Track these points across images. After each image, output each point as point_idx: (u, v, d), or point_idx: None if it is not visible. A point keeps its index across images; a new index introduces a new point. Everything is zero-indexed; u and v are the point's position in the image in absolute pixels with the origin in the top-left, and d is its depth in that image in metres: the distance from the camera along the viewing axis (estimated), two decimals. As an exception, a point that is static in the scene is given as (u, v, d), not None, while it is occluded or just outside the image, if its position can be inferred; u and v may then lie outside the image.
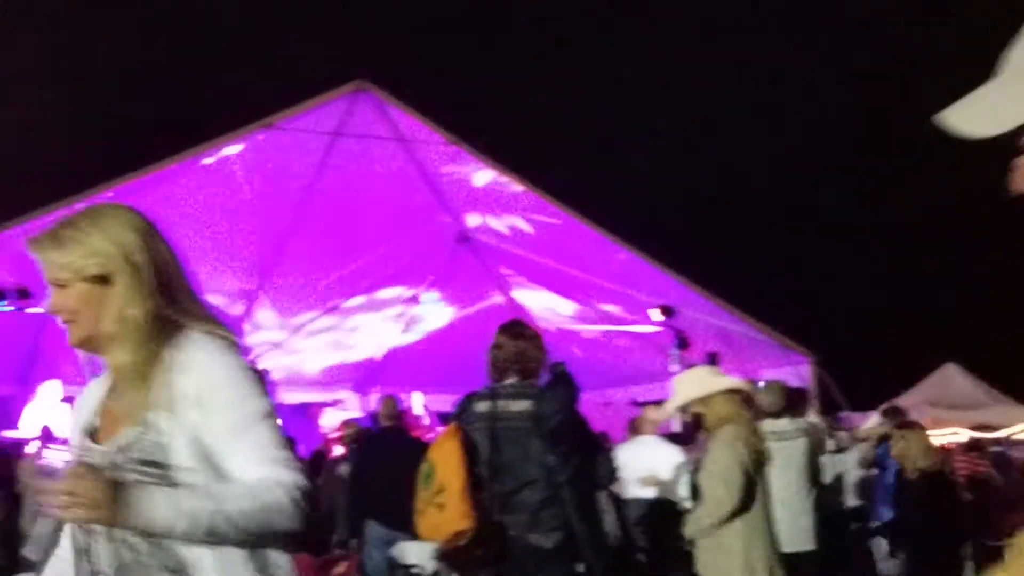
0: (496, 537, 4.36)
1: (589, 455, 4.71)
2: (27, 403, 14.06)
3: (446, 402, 14.81)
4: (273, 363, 15.69)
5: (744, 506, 4.70)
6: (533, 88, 28.11)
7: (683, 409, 5.12)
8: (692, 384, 5.03)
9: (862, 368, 16.46)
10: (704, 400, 4.88)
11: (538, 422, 4.40)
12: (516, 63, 27.92)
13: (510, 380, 4.59)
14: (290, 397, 15.49)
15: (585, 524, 4.45)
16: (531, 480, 4.41)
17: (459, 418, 4.63)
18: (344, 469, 9.09)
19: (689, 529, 4.87)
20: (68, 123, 22.05)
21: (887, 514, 8.28)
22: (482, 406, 4.56)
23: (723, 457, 4.72)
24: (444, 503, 4.37)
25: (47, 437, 12.41)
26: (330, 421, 16.92)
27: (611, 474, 5.14)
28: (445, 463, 4.44)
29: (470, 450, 4.47)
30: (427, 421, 14.89)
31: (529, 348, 4.61)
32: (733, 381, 5.07)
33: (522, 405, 4.47)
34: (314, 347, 16.18)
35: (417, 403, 15.19)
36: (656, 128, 27.86)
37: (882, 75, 27.01)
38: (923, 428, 7.23)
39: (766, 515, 4.80)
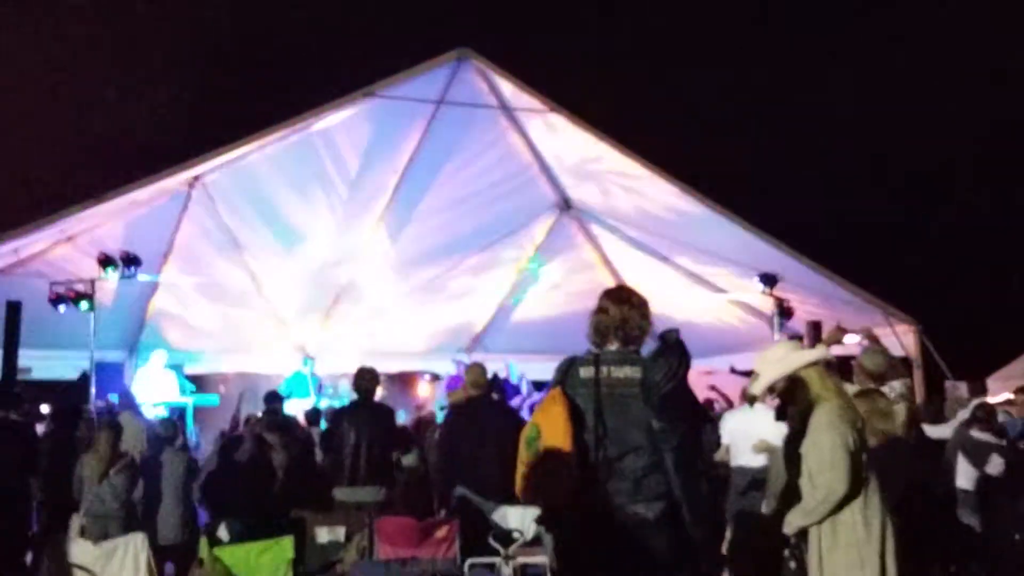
0: (601, 504, 4.34)
1: (695, 425, 4.66)
2: (135, 368, 14.55)
3: (547, 369, 14.88)
4: (376, 331, 15.93)
5: (855, 489, 4.59)
6: (633, 56, 27.86)
7: (771, 390, 5.00)
8: (774, 364, 4.92)
9: (966, 337, 16.06)
10: (791, 379, 4.79)
11: (647, 389, 4.34)
12: (618, 31, 27.69)
13: (613, 346, 4.52)
14: (391, 366, 15.73)
15: (688, 493, 4.39)
16: (636, 447, 4.34)
17: (562, 383, 4.59)
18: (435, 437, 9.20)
19: (795, 523, 4.78)
20: (175, 95, 22.58)
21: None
22: (586, 371, 4.49)
23: (825, 441, 4.61)
24: (549, 468, 4.36)
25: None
26: (426, 391, 17.20)
27: (716, 444, 5.06)
28: (550, 428, 4.41)
29: (575, 415, 4.44)
30: (524, 389, 14.96)
31: (634, 314, 4.53)
32: (815, 353, 4.93)
33: (627, 371, 4.40)
34: (415, 315, 16.35)
35: (512, 371, 15.27)
36: (759, 92, 27.40)
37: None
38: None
39: (878, 485, 4.70)
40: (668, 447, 4.32)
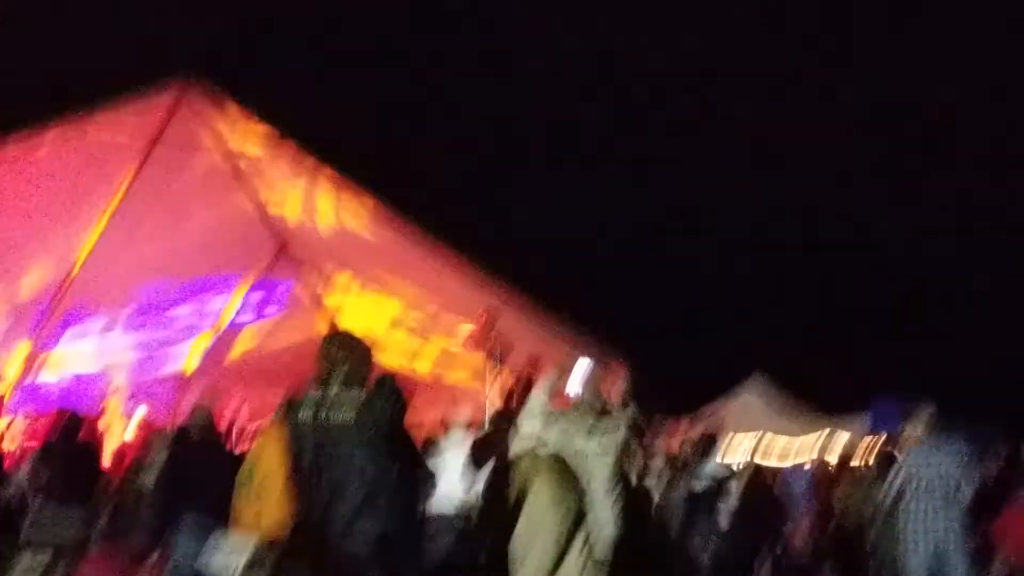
0: (313, 544, 4.40)
1: (410, 466, 4.80)
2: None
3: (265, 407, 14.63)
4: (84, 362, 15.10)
5: None
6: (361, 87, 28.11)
7: None
8: None
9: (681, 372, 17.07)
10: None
11: (361, 431, 4.45)
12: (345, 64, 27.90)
13: (334, 389, 4.62)
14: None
15: (400, 534, 4.52)
16: (349, 489, 4.45)
17: (281, 424, 4.63)
18: (144, 478, 8.88)
19: None
20: None
21: None
22: (304, 414, 4.57)
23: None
24: (265, 506, 4.40)
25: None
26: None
27: (431, 487, 5.26)
28: (266, 467, 4.47)
29: (291, 456, 4.49)
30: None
31: (355, 358, 4.66)
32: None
33: (345, 415, 4.51)
34: (121, 352, 15.64)
35: (234, 410, 14.87)
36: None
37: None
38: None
39: None
40: (383, 489, 4.45)
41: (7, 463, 10.43)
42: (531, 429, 5.19)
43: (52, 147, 11.29)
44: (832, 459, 13.65)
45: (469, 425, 8.80)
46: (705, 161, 28.62)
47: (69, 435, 8.91)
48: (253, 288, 15.62)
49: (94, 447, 10.45)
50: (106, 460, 11.69)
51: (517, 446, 6.03)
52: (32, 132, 10.92)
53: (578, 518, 4.89)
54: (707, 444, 9.74)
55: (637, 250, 27.80)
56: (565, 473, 4.98)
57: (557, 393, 5.64)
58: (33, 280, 13.52)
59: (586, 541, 4.86)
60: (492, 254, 13.69)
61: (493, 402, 14.54)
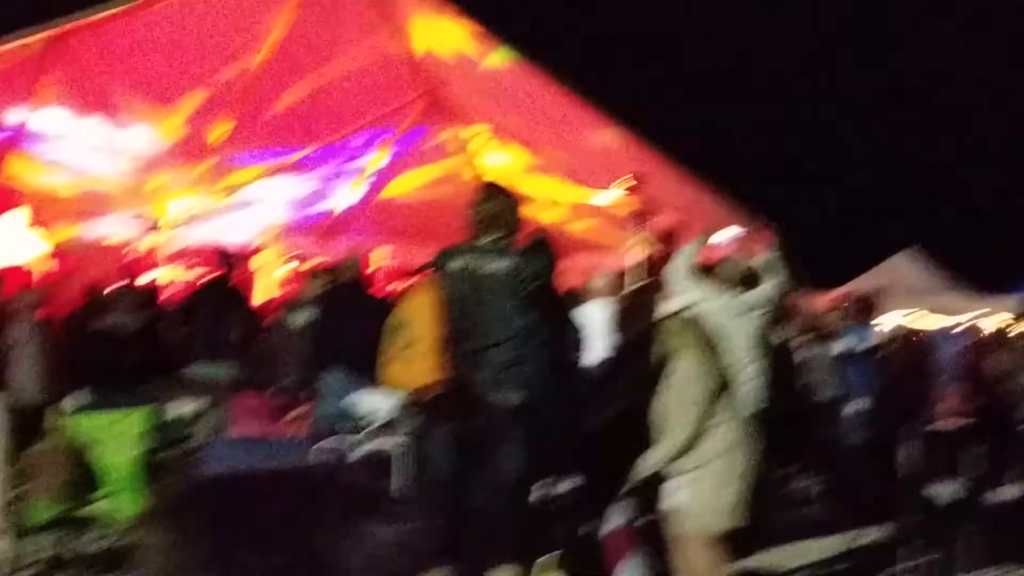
0: (462, 392, 4.43)
1: (560, 322, 4.77)
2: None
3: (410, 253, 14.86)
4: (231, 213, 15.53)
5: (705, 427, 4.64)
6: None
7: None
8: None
9: (825, 243, 16.69)
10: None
11: (514, 285, 4.42)
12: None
13: (486, 240, 4.58)
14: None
15: (549, 387, 4.53)
16: (501, 339, 4.45)
17: (433, 273, 4.63)
18: (294, 319, 9.05)
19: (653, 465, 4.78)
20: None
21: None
22: (457, 263, 4.56)
23: (679, 396, 4.63)
24: (414, 356, 4.43)
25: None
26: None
27: (578, 344, 5.25)
28: (417, 317, 4.48)
29: (442, 305, 4.49)
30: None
31: (508, 210, 4.60)
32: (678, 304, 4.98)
33: (499, 264, 4.47)
34: (274, 198, 16.02)
35: (383, 258, 15.09)
36: None
37: None
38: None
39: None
40: (533, 342, 4.43)
41: (167, 301, 10.90)
42: (676, 290, 5.05)
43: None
44: (987, 329, 13.14)
45: (611, 284, 8.69)
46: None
47: (222, 276, 9.17)
48: (402, 137, 15.70)
49: (245, 287, 10.77)
50: (257, 299, 12.13)
51: (660, 307, 5.95)
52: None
53: (722, 380, 4.78)
54: (858, 308, 9.45)
55: (790, 120, 26.71)
56: (709, 336, 4.84)
57: (703, 256, 5.48)
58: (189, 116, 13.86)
59: (730, 403, 4.76)
60: (639, 117, 13.34)
61: (636, 262, 14.49)
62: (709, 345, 4.79)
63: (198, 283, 9.30)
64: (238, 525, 1.84)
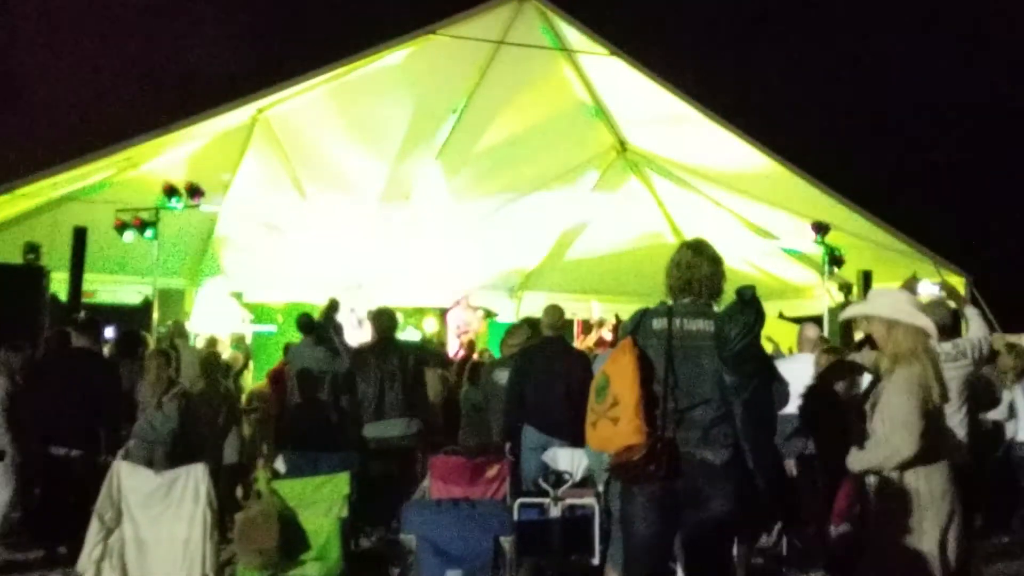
0: (668, 452, 4.41)
1: (766, 379, 4.71)
2: (195, 296, 14.75)
3: (599, 308, 15.01)
4: (429, 266, 15.98)
5: (921, 454, 4.53)
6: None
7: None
8: (886, 304, 4.84)
9: (1018, 288, 15.96)
10: (889, 324, 4.72)
11: (720, 344, 4.39)
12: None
13: (687, 299, 4.58)
14: (443, 301, 15.81)
15: (756, 444, 4.48)
16: (706, 399, 4.43)
17: (633, 334, 4.65)
18: (500, 375, 9.18)
19: (856, 465, 4.77)
20: (240, 30, 22.70)
21: None
22: (659, 323, 4.56)
23: (902, 402, 4.56)
24: (618, 417, 4.44)
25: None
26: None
27: (785, 398, 5.16)
28: (620, 377, 4.48)
29: (645, 366, 4.50)
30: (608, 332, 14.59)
31: (711, 269, 4.58)
32: (924, 321, 4.73)
33: (700, 325, 4.46)
34: (467, 252, 16.40)
35: (597, 310, 15.15)
36: (817, 41, 27.01)
37: None
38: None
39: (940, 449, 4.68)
40: (739, 400, 4.40)
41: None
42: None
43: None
44: None
45: (817, 338, 8.56)
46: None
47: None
48: (594, 187, 15.88)
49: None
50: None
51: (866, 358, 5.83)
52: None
53: (935, 424, 4.64)
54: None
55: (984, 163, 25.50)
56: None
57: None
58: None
59: (938, 449, 4.61)
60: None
61: (831, 307, 14.17)
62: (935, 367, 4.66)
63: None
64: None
